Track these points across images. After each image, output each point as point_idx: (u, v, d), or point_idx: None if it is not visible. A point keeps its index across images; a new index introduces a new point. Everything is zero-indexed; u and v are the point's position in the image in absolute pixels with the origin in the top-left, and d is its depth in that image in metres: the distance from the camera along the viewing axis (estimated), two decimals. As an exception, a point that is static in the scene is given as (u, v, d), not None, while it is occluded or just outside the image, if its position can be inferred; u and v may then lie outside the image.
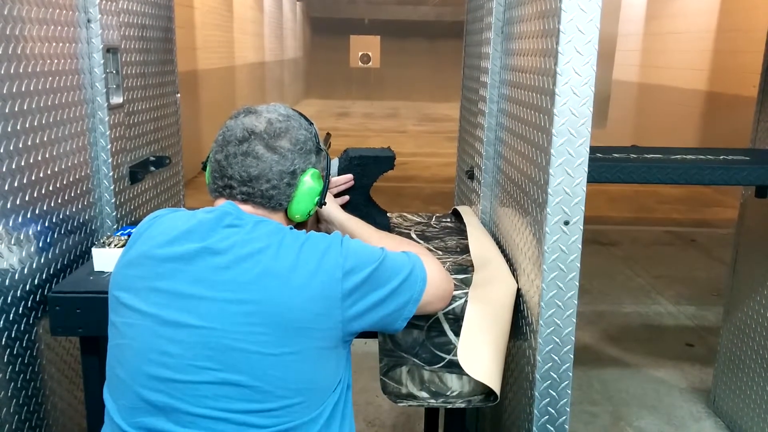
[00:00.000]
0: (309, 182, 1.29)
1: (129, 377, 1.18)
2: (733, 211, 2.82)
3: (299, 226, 1.38)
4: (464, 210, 2.10)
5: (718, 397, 2.83)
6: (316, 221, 1.59)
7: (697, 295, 4.29)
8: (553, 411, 1.47)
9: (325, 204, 1.41)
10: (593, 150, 1.42)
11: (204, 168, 1.34)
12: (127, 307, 1.19)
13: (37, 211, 1.55)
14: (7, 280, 1.44)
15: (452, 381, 1.50)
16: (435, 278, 1.30)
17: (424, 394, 1.51)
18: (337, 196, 1.69)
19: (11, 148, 1.43)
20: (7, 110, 1.41)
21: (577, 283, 1.41)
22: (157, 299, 1.16)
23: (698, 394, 3.04)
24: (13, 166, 1.44)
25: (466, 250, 1.79)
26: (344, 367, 1.26)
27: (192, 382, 1.14)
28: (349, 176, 1.68)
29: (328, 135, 1.68)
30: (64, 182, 1.68)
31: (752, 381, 2.56)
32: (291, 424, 1.16)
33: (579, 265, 1.40)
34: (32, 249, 1.54)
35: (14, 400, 1.48)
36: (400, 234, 1.90)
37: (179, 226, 1.20)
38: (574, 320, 1.43)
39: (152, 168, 2.14)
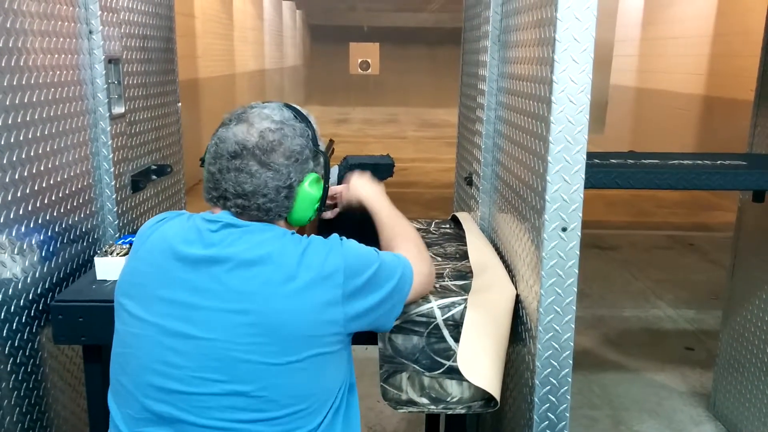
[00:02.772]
0: (307, 190, 1.26)
1: (134, 387, 1.19)
2: (732, 215, 2.83)
3: (300, 229, 1.38)
4: (463, 216, 2.11)
5: (718, 400, 2.83)
6: (316, 225, 1.59)
7: (696, 299, 4.30)
8: (552, 416, 1.48)
9: (325, 209, 1.40)
10: (590, 156, 1.44)
11: (202, 165, 1.30)
12: (131, 315, 1.20)
13: (39, 221, 1.56)
14: (10, 290, 1.45)
15: (452, 387, 1.51)
16: (418, 279, 1.34)
17: (425, 401, 1.52)
18: (329, 207, 1.64)
19: (14, 158, 1.45)
20: (9, 121, 1.43)
21: (576, 289, 1.42)
22: (160, 308, 1.17)
23: (698, 398, 3.05)
24: (16, 177, 1.46)
25: (465, 256, 1.80)
26: (346, 369, 1.28)
27: (198, 394, 1.14)
28: (339, 188, 1.63)
29: (331, 141, 1.69)
30: (67, 192, 1.69)
31: (752, 384, 2.57)
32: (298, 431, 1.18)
33: (577, 271, 1.41)
34: (35, 258, 1.55)
35: (17, 409, 1.49)
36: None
37: (182, 234, 1.20)
38: (573, 326, 1.44)
39: (154, 177, 2.16)
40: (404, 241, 1.44)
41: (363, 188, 1.54)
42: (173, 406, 1.16)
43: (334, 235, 1.27)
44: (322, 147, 1.34)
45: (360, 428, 1.32)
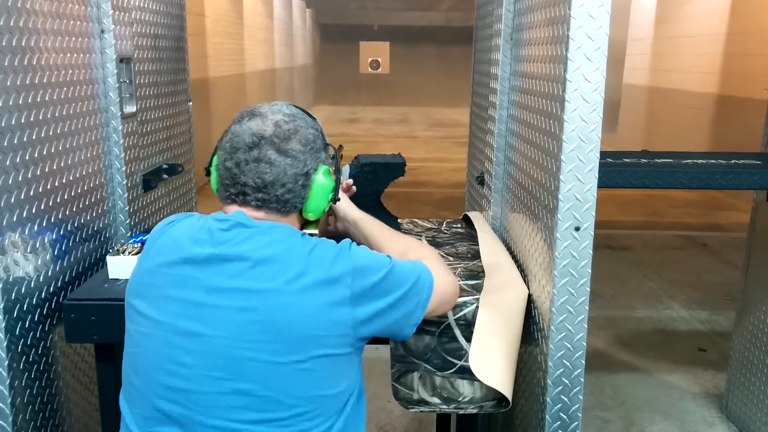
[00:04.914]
0: (322, 180, 1.29)
1: (144, 387, 1.19)
2: (745, 215, 2.81)
3: (311, 224, 1.38)
4: (475, 216, 2.10)
5: (731, 402, 2.81)
6: (327, 220, 1.59)
7: (710, 300, 4.27)
8: (565, 417, 1.47)
9: (339, 200, 1.41)
10: (603, 155, 1.42)
11: (207, 174, 1.33)
12: (141, 315, 1.20)
13: (52, 220, 1.57)
14: (23, 288, 1.46)
15: (464, 387, 1.50)
16: (441, 284, 1.31)
17: (436, 400, 1.51)
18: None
19: (27, 157, 1.45)
20: (22, 120, 1.43)
21: (588, 289, 1.41)
22: (169, 308, 1.17)
23: (711, 399, 3.03)
24: (29, 176, 1.46)
25: (476, 255, 1.79)
26: (355, 376, 1.26)
27: (206, 393, 1.15)
28: (350, 182, 1.67)
29: (340, 147, 1.69)
30: (79, 191, 1.70)
31: (765, 386, 2.54)
32: None
33: (590, 270, 1.40)
34: (47, 257, 1.56)
35: (30, 407, 1.50)
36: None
37: (192, 235, 1.21)
38: (586, 326, 1.43)
39: (165, 176, 2.16)
40: (421, 251, 1.42)
41: (351, 210, 1.54)
42: (183, 405, 1.16)
43: (345, 240, 1.27)
44: (328, 142, 1.37)
45: None
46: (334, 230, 1.59)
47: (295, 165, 1.24)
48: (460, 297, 1.48)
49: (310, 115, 1.34)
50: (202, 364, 1.14)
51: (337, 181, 1.36)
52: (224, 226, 1.20)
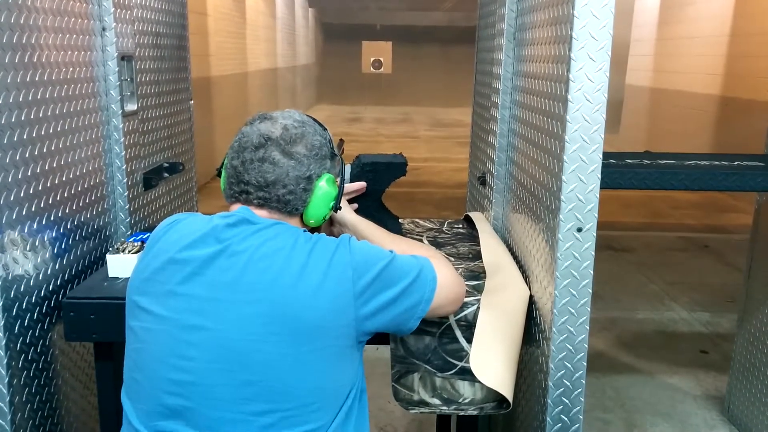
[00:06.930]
0: (324, 187, 1.31)
1: (148, 381, 1.20)
2: (748, 217, 2.80)
3: (313, 230, 1.39)
4: (476, 216, 2.10)
5: (733, 404, 2.80)
6: (329, 225, 1.59)
7: (711, 302, 4.26)
8: (566, 418, 1.46)
9: (340, 209, 1.42)
10: (606, 156, 1.42)
11: (219, 174, 1.36)
12: (145, 312, 1.21)
13: (52, 218, 1.56)
14: (22, 286, 1.45)
15: (464, 388, 1.49)
16: (445, 280, 1.31)
17: (436, 401, 1.51)
18: (349, 202, 1.69)
19: (27, 155, 1.45)
20: (23, 118, 1.43)
21: (591, 290, 1.40)
22: (175, 303, 1.18)
23: (713, 401, 3.02)
24: (29, 173, 1.46)
25: (478, 256, 1.78)
26: (357, 370, 1.28)
27: (212, 385, 1.15)
28: (362, 184, 1.69)
29: (341, 141, 1.69)
30: (79, 189, 1.69)
31: (767, 388, 2.54)
32: (308, 426, 1.18)
33: (592, 272, 1.39)
34: (47, 255, 1.55)
35: (29, 405, 1.50)
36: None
37: (196, 231, 1.22)
38: (587, 327, 1.42)
39: (166, 174, 2.16)
40: (424, 252, 1.42)
41: (347, 214, 1.53)
42: (187, 398, 1.17)
43: (344, 235, 1.29)
44: (338, 154, 1.40)
45: None
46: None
47: (298, 168, 1.27)
48: (461, 298, 1.47)
49: (321, 125, 1.37)
50: (207, 356, 1.15)
51: (341, 190, 1.38)
52: (231, 221, 1.22)
